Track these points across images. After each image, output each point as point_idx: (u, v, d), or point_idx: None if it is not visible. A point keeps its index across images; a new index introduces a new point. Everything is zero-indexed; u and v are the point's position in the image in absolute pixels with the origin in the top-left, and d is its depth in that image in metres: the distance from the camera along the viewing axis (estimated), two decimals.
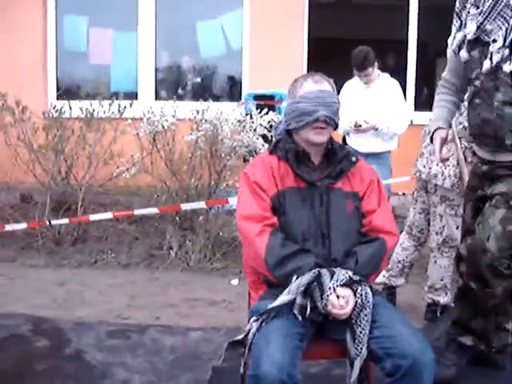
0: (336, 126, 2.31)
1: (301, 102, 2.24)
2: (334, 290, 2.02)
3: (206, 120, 5.06)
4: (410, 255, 3.85)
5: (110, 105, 5.84)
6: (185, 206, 4.97)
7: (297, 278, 2.05)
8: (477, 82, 2.40)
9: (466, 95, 2.56)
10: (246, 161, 5.34)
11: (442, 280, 3.68)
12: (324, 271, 2.06)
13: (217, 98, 6.48)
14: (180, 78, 7.39)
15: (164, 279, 4.81)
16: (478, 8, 2.35)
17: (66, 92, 6.84)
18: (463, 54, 2.42)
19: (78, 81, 7.41)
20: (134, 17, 7.09)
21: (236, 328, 3.69)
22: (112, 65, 7.32)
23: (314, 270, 2.06)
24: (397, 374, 1.93)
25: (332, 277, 2.04)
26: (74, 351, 3.41)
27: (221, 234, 5.24)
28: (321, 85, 2.27)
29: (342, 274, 2.05)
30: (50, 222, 5.05)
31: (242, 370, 2.02)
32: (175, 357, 3.35)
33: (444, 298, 3.72)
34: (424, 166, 3.54)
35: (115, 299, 4.36)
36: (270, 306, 2.04)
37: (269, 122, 5.16)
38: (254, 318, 2.05)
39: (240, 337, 3.35)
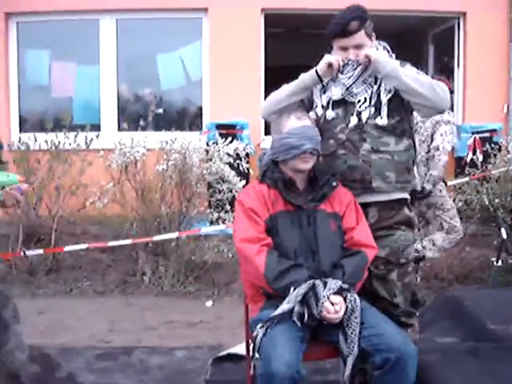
0: (319, 155, 2.63)
1: (288, 137, 2.56)
2: (328, 297, 2.33)
3: (174, 150, 5.29)
4: None
5: (76, 137, 6.01)
6: (158, 237, 5.18)
7: (294, 289, 2.36)
8: (341, 135, 2.75)
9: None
10: (210, 187, 5.61)
11: None
12: (318, 282, 2.37)
13: (179, 128, 6.67)
14: (141, 109, 7.58)
15: (140, 304, 4.98)
16: (346, 74, 2.72)
17: (30, 125, 6.97)
18: (330, 113, 2.77)
19: (42, 114, 7.54)
20: (95, 50, 7.27)
21: (218, 345, 3.92)
22: (74, 97, 7.46)
23: (308, 282, 2.36)
24: (386, 366, 2.26)
25: (325, 286, 2.35)
26: (65, 374, 3.53)
27: (193, 258, 5.46)
28: (303, 121, 2.61)
29: (334, 284, 2.36)
30: (24, 252, 5.15)
31: (252, 371, 2.28)
32: (164, 375, 3.53)
33: None
34: None
35: (95, 325, 4.51)
36: (273, 315, 2.33)
37: (234, 150, 5.45)
38: (259, 325, 2.33)
39: (223, 353, 3.62)
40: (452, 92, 5.24)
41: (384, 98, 2.71)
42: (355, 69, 2.71)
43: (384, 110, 2.71)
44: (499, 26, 7.37)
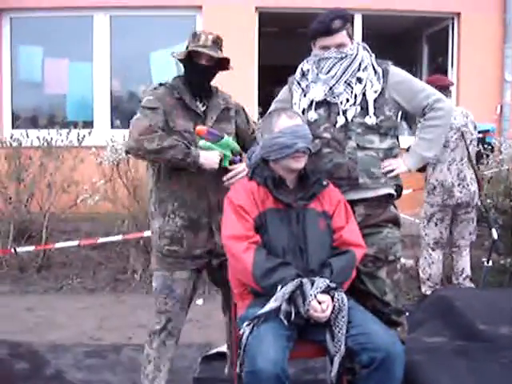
0: (311, 153, 2.62)
1: (280, 136, 2.55)
2: (315, 296, 2.32)
3: None
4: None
5: (68, 134, 5.99)
6: (149, 233, 5.14)
7: (281, 287, 2.34)
8: (325, 135, 2.78)
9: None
10: None
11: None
12: (305, 280, 2.35)
13: None
14: (134, 106, 7.55)
15: (130, 302, 4.97)
16: (328, 73, 2.77)
17: (23, 121, 6.95)
18: (312, 114, 2.80)
19: (34, 110, 7.52)
20: (89, 46, 7.27)
21: (206, 344, 3.92)
22: (67, 94, 7.45)
23: (296, 280, 2.35)
24: (372, 365, 2.25)
25: (312, 285, 2.34)
26: (54, 372, 3.54)
27: None
28: (295, 120, 2.59)
29: (321, 282, 2.35)
30: (15, 249, 5.14)
31: (238, 369, 2.28)
32: None
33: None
34: (460, 192, 4.60)
35: (85, 322, 4.50)
36: (260, 312, 2.32)
37: None
38: (246, 323, 2.31)
39: (212, 351, 3.62)
40: (452, 84, 5.27)
41: (370, 98, 2.76)
42: (336, 66, 2.76)
43: (371, 110, 2.75)
44: (493, 26, 7.39)
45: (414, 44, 9.07)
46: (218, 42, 2.87)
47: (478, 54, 7.37)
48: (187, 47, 2.85)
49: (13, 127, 7.13)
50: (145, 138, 2.68)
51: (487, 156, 5.83)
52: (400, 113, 2.95)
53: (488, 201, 5.32)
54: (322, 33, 2.74)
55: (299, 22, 8.93)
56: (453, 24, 7.62)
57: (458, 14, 7.48)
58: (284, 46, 8.24)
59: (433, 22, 8.13)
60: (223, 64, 2.92)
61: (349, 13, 2.78)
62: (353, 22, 7.41)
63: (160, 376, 2.95)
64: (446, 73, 7.83)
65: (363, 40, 7.34)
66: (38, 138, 5.91)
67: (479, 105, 7.33)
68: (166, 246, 2.88)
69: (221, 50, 2.89)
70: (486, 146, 6.02)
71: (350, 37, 2.80)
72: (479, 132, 6.92)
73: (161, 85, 2.93)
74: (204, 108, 2.93)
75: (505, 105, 7.40)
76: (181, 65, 2.95)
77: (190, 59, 2.85)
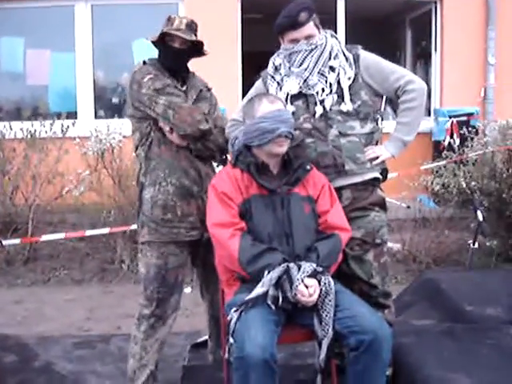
0: (293, 138, 2.61)
1: (262, 121, 2.54)
2: (302, 280, 2.32)
3: None
4: None
5: (52, 125, 5.94)
6: (135, 226, 5.12)
7: (268, 272, 2.34)
8: (306, 125, 2.79)
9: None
10: None
11: None
12: (292, 265, 2.36)
13: None
14: (117, 95, 7.52)
15: (118, 292, 4.97)
16: (300, 66, 2.78)
17: (5, 113, 6.88)
18: (289, 107, 2.80)
19: (17, 102, 7.45)
20: (70, 37, 7.19)
21: (195, 332, 3.92)
22: (50, 85, 7.38)
23: (283, 265, 2.35)
24: (360, 347, 2.26)
25: (299, 269, 2.34)
26: (43, 364, 3.52)
27: None
28: (276, 104, 2.59)
29: (308, 267, 2.35)
30: (1, 242, 5.10)
31: (227, 355, 2.28)
32: None
33: None
34: None
35: (73, 313, 4.50)
36: (247, 298, 2.32)
37: None
38: (233, 309, 2.31)
39: (201, 339, 3.62)
40: None
41: (345, 85, 2.77)
42: (307, 58, 2.76)
43: (347, 97, 2.76)
44: (476, 10, 7.40)
45: (398, 28, 9.08)
46: (192, 26, 2.87)
47: (461, 38, 7.38)
48: (162, 31, 2.84)
49: None
50: (197, 118, 2.76)
51: (472, 139, 5.86)
52: (384, 97, 2.96)
53: (473, 183, 5.35)
54: (290, 27, 2.74)
55: (282, 7, 8.92)
56: (435, 8, 7.62)
57: None
58: (267, 32, 8.17)
59: (416, 6, 8.13)
60: (198, 48, 2.91)
61: (312, 3, 2.77)
62: (336, 8, 7.40)
63: (147, 356, 2.95)
64: (429, 56, 7.86)
65: (346, 26, 7.35)
66: (21, 129, 5.85)
67: (463, 88, 7.38)
68: (159, 215, 2.87)
69: (195, 35, 2.88)
70: (470, 128, 6.05)
71: (317, 27, 2.79)
72: (464, 115, 7.00)
73: (144, 63, 2.92)
74: (184, 88, 2.93)
75: (488, 88, 7.43)
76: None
77: (163, 42, 2.84)
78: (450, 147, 6.31)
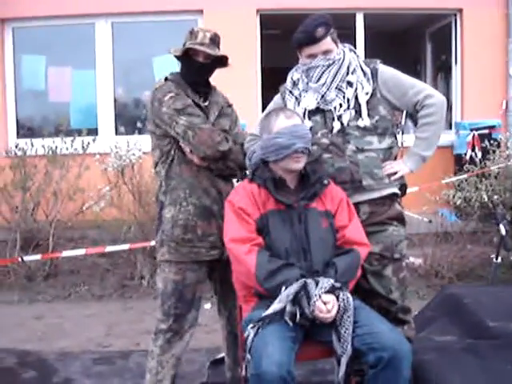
0: (310, 153, 2.59)
1: (278, 137, 2.53)
2: (320, 296, 2.29)
3: None
4: None
5: (73, 141, 6.00)
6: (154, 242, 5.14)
7: (285, 288, 2.32)
8: (323, 140, 2.76)
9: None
10: None
11: None
12: (309, 281, 2.33)
13: None
14: (138, 112, 7.58)
15: (138, 308, 4.97)
16: (318, 81, 2.76)
17: (27, 130, 6.97)
18: (307, 123, 2.78)
19: (39, 119, 7.56)
20: (91, 54, 7.28)
21: (215, 348, 3.89)
22: (71, 102, 7.45)
23: (300, 280, 2.32)
24: (380, 364, 2.22)
25: (317, 285, 2.31)
26: (62, 380, 3.53)
27: None
28: (293, 119, 2.57)
29: (326, 282, 2.32)
30: (22, 258, 5.14)
31: (243, 372, 2.25)
32: None
33: None
34: None
35: (93, 329, 4.50)
36: (264, 314, 2.29)
37: None
38: (250, 326, 2.29)
39: (221, 355, 3.59)
40: None
41: (362, 101, 2.75)
42: (325, 74, 2.75)
43: (364, 112, 2.74)
44: (496, 21, 7.35)
45: (417, 42, 9.05)
46: (215, 40, 2.86)
47: (482, 50, 7.33)
48: (184, 44, 2.84)
49: (17, 136, 7.16)
50: (217, 140, 2.75)
51: (493, 152, 5.79)
52: (405, 111, 2.93)
53: (495, 197, 5.28)
54: (307, 42, 2.72)
55: (301, 23, 8.98)
56: (455, 20, 7.58)
57: (461, 11, 7.45)
58: (286, 48, 8.21)
59: (435, 19, 8.10)
60: (221, 61, 2.91)
61: (330, 18, 2.76)
62: (355, 22, 7.41)
63: (163, 371, 2.93)
64: (450, 69, 7.81)
65: (365, 40, 7.35)
66: (42, 146, 5.92)
67: (484, 101, 7.31)
68: (180, 235, 2.86)
69: (218, 48, 2.88)
70: (492, 141, 5.99)
71: (335, 42, 2.78)
72: (485, 128, 6.93)
73: (166, 79, 2.92)
74: (206, 103, 2.92)
75: (510, 100, 7.36)
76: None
77: (187, 56, 2.84)
78: (472, 160, 6.24)
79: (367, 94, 2.76)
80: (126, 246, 5.12)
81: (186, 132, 2.74)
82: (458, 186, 5.67)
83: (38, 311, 4.91)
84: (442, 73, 8.46)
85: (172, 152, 2.87)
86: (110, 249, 5.17)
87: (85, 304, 5.11)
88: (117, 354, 3.92)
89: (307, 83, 2.80)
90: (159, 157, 2.92)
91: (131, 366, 3.70)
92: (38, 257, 5.22)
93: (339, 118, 2.75)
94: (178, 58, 2.88)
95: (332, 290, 2.32)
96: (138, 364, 3.69)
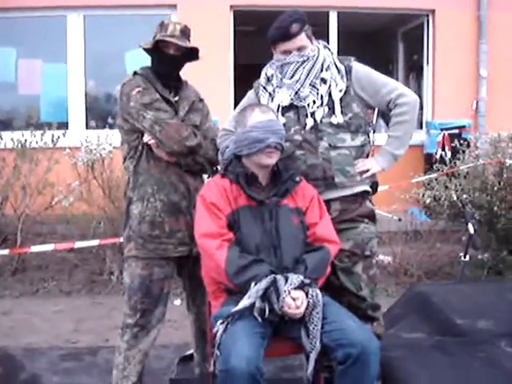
0: (283, 149, 2.59)
1: (252, 131, 2.52)
2: (289, 292, 2.29)
3: None
4: None
5: (43, 135, 5.91)
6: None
7: (255, 284, 2.31)
8: (296, 137, 2.77)
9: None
10: None
11: None
12: (279, 277, 2.32)
13: None
14: (109, 106, 7.50)
15: (107, 304, 4.92)
16: (292, 78, 2.77)
17: None
18: (281, 119, 2.78)
19: (8, 112, 7.43)
20: (63, 47, 7.19)
21: (184, 344, 3.87)
22: (41, 95, 7.36)
23: (270, 276, 2.32)
24: (348, 361, 2.22)
25: (286, 281, 2.31)
26: (29, 376, 3.47)
27: None
28: (268, 115, 2.57)
29: (295, 279, 2.32)
30: None
31: (212, 368, 2.24)
32: None
33: None
34: None
35: (61, 325, 4.45)
36: (233, 310, 2.28)
37: None
38: (219, 321, 2.28)
39: (190, 351, 3.58)
40: None
41: (336, 98, 2.75)
42: (299, 70, 2.75)
43: (337, 109, 2.75)
44: (468, 23, 7.45)
45: (390, 42, 9.12)
46: (186, 32, 2.85)
47: (453, 51, 7.43)
48: (154, 37, 2.82)
49: None
50: (184, 135, 2.74)
51: (463, 152, 5.86)
52: (377, 110, 2.94)
53: (464, 196, 5.35)
54: (281, 38, 2.72)
55: (274, 19, 8.98)
56: (428, 21, 7.67)
57: (433, 11, 7.53)
58: (260, 44, 8.21)
59: (408, 20, 8.18)
60: (192, 54, 2.89)
61: (304, 14, 2.76)
62: (328, 20, 7.43)
63: (130, 367, 2.91)
64: (421, 69, 7.89)
65: (338, 38, 7.38)
66: (11, 139, 5.82)
67: (455, 101, 7.40)
68: (147, 231, 2.84)
69: (189, 40, 2.86)
70: (462, 141, 6.06)
71: (310, 38, 2.78)
72: (455, 128, 7.02)
73: (135, 74, 2.89)
74: (176, 98, 2.90)
75: (480, 100, 7.46)
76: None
77: (157, 49, 2.82)
78: (442, 160, 6.31)
79: (341, 91, 2.76)
80: (95, 242, 5.06)
81: (152, 127, 2.73)
82: (428, 184, 5.73)
83: (5, 307, 4.83)
84: (414, 73, 8.55)
85: (140, 147, 2.84)
86: (79, 244, 5.11)
87: (53, 300, 5.04)
88: (85, 350, 3.87)
89: (281, 79, 2.79)
90: (127, 152, 2.89)
91: (99, 362, 3.66)
92: (5, 252, 5.11)
93: (312, 114, 2.75)
94: (148, 51, 2.85)
95: (301, 286, 2.32)
96: (106, 360, 3.65)
